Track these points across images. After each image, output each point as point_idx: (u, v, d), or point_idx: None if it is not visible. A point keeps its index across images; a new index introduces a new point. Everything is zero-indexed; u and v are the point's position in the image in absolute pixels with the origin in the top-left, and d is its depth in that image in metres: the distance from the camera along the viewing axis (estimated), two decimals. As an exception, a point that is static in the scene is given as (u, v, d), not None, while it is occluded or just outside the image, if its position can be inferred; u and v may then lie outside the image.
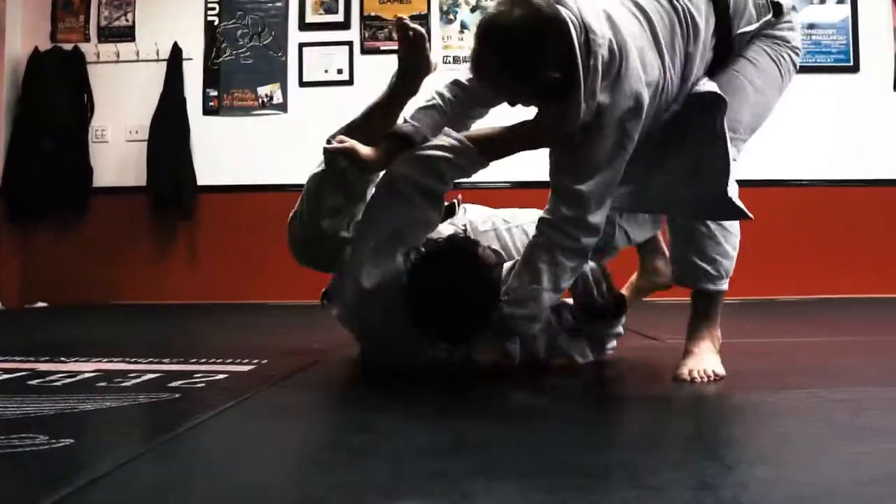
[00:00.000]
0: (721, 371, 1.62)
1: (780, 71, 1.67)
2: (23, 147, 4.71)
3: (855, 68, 4.79)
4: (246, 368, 1.86)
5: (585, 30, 1.40)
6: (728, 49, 1.60)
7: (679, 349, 2.27)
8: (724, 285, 1.76)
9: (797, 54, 1.69)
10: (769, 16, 1.60)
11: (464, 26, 4.81)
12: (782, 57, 1.66)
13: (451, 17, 4.83)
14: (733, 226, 1.79)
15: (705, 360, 1.64)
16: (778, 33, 1.65)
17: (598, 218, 1.53)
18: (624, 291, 2.15)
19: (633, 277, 2.28)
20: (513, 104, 1.61)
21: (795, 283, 4.58)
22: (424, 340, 1.64)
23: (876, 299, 4.37)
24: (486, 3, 4.80)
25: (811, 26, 4.81)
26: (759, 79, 1.64)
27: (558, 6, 1.40)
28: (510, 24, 1.41)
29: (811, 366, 1.93)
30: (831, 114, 4.76)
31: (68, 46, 4.85)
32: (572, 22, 1.39)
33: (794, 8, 1.67)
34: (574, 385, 1.71)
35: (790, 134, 4.74)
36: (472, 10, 4.82)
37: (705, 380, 1.58)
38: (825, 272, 4.62)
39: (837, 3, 4.85)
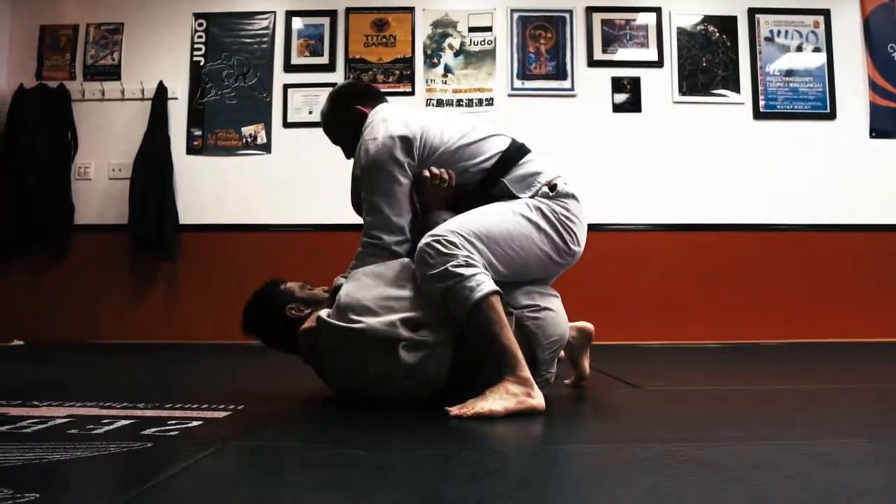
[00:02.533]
0: (494, 409, 1.75)
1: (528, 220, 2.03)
2: (4, 183, 4.69)
3: (832, 115, 4.89)
4: (222, 415, 1.83)
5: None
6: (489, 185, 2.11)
7: (662, 395, 2.28)
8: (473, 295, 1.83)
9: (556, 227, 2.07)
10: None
11: (448, 70, 4.87)
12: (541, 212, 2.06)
13: (435, 60, 4.89)
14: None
15: (485, 401, 1.78)
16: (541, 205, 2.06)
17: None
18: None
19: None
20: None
21: (775, 328, 4.61)
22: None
23: (854, 343, 4.41)
24: (470, 48, 4.88)
25: (789, 73, 4.92)
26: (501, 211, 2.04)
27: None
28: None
29: (790, 415, 1.93)
30: (809, 160, 4.84)
31: (53, 84, 4.87)
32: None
33: (573, 196, 2.11)
34: (536, 436, 1.69)
35: (770, 179, 4.82)
36: (456, 54, 4.89)
37: (467, 413, 1.74)
38: (804, 317, 4.66)
39: (814, 50, 4.96)
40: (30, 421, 1.71)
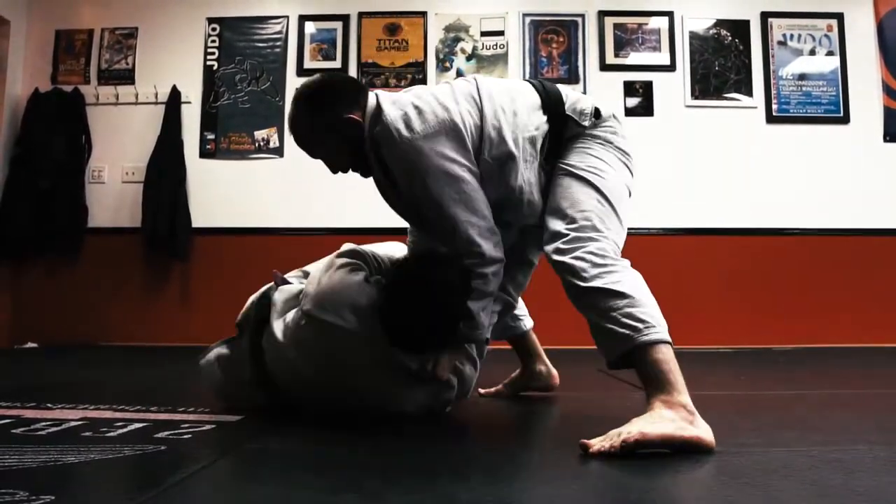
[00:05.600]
0: (646, 431, 1.38)
1: (604, 160, 1.82)
2: (19, 186, 4.73)
3: (845, 119, 4.86)
4: (234, 418, 1.83)
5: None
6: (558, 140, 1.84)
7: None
8: (645, 337, 1.54)
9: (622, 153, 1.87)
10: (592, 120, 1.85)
11: (460, 74, 4.87)
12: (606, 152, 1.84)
13: (448, 64, 4.90)
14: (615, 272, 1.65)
15: (632, 426, 1.41)
16: (601, 134, 1.85)
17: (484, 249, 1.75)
18: (500, 387, 2.35)
19: (514, 374, 2.37)
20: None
21: (788, 332, 4.57)
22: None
23: (868, 349, 4.37)
24: (483, 52, 4.88)
25: (802, 77, 4.90)
26: (585, 163, 1.80)
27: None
28: None
29: (805, 420, 1.92)
30: (822, 164, 4.81)
31: (68, 88, 4.90)
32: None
33: (614, 116, 1.89)
34: (548, 441, 1.68)
35: (782, 184, 4.79)
36: (468, 58, 4.90)
37: (613, 446, 1.35)
38: (817, 321, 4.62)
39: (827, 54, 4.93)
40: (44, 423, 1.72)
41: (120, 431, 1.63)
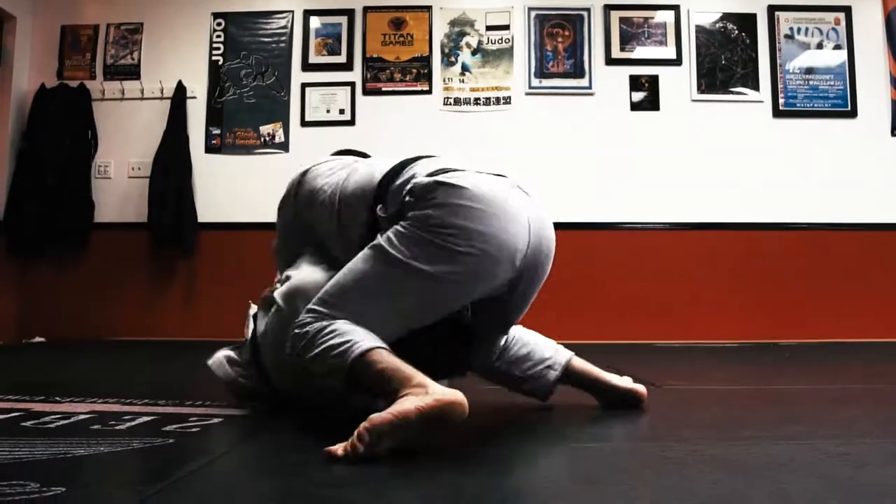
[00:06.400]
0: (377, 417, 1.27)
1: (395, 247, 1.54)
2: (26, 181, 4.74)
3: (852, 113, 4.84)
4: (242, 412, 1.84)
5: None
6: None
7: (681, 394, 2.26)
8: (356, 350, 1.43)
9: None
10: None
11: (465, 68, 4.87)
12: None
13: (453, 59, 4.89)
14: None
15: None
16: (415, 213, 1.55)
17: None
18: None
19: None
20: None
21: (794, 327, 4.57)
22: None
23: (875, 343, 4.36)
24: (488, 46, 4.88)
25: (809, 71, 4.88)
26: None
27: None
28: None
29: (812, 415, 1.91)
30: (829, 158, 4.80)
31: (74, 83, 4.91)
32: None
33: (438, 183, 1.56)
34: (554, 434, 1.68)
35: (789, 178, 4.78)
36: (473, 53, 4.89)
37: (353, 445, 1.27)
38: (823, 316, 4.62)
39: (835, 48, 4.91)
40: (53, 416, 1.73)
41: (128, 424, 1.64)
